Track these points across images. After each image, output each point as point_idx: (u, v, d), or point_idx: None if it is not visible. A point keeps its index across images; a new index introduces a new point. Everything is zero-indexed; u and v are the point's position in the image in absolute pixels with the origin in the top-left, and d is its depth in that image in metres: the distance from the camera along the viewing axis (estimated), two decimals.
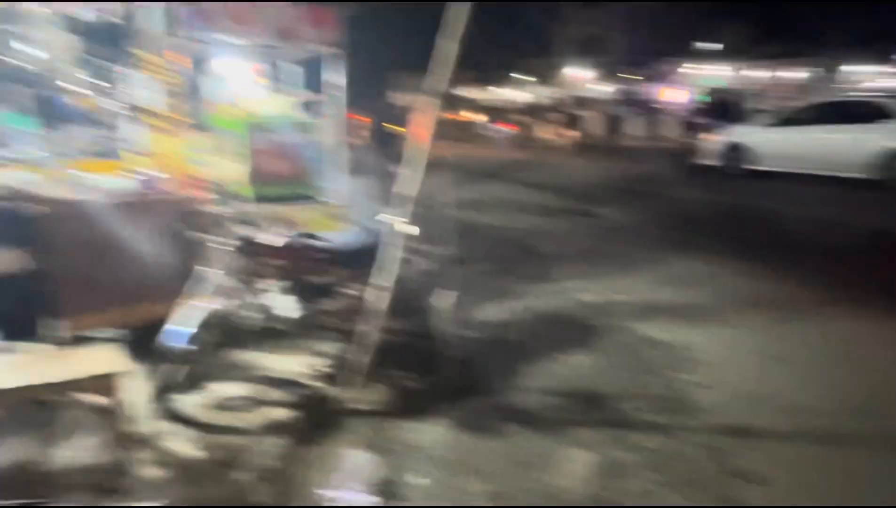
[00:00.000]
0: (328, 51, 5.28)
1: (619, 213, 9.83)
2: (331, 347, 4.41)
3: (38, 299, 4.03)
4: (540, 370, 4.16)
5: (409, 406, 3.65)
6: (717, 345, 4.58)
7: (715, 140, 14.59)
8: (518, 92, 33.36)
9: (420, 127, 3.45)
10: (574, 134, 23.72)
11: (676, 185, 12.85)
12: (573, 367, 4.23)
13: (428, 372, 4.04)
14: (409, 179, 3.53)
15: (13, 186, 3.92)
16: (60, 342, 4.13)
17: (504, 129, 24.93)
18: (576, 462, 3.12)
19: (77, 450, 3.05)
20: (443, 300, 3.80)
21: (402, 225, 3.61)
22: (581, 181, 13.47)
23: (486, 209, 9.97)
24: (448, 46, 3.27)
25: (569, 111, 25.83)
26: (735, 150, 13.93)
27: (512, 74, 33.27)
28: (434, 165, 3.55)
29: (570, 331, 4.87)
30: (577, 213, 9.91)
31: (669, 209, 10.09)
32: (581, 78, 30.23)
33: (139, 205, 4.26)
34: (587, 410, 3.67)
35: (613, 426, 3.46)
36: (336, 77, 5.34)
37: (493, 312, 5.26)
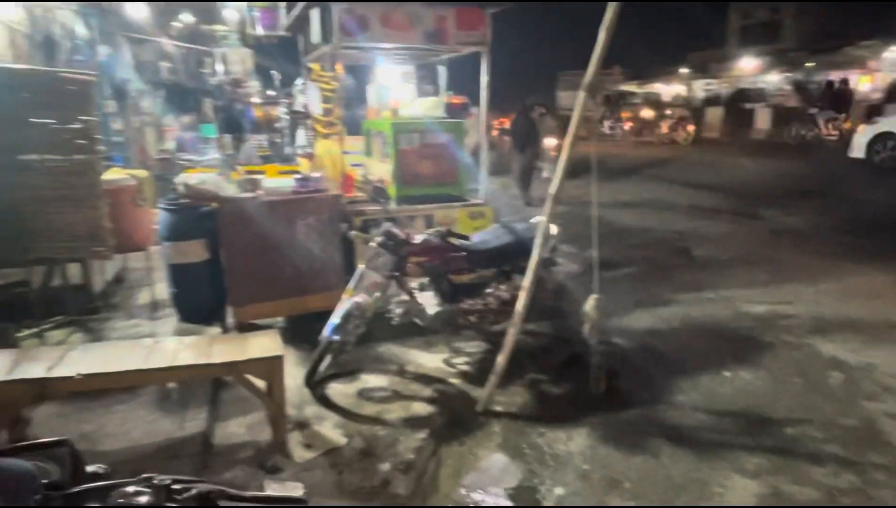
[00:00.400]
0: (474, 51, 5.30)
1: (786, 214, 8.81)
2: (471, 345, 4.43)
3: (215, 287, 4.49)
4: (695, 385, 3.81)
5: (550, 412, 3.53)
6: None
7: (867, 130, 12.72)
8: (671, 86, 31.38)
9: (560, 125, 3.31)
10: (723, 128, 21.82)
11: (844, 182, 11.25)
12: (735, 385, 3.83)
13: (571, 378, 3.89)
14: (551, 178, 3.40)
15: (194, 184, 4.38)
16: (229, 328, 4.57)
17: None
18: (735, 490, 2.81)
19: (238, 427, 3.33)
20: (588, 304, 3.62)
21: (544, 225, 3.49)
22: (737, 179, 12.27)
23: (634, 209, 9.46)
24: (602, 41, 3.10)
25: (728, 104, 23.79)
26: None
27: (667, 67, 31.34)
28: (576, 163, 3.39)
29: (732, 344, 4.42)
30: (739, 214, 9.03)
31: (841, 211, 8.84)
32: (749, 68, 27.66)
33: (299, 202, 4.57)
34: (751, 433, 3.29)
35: (782, 455, 3.07)
36: (481, 77, 5.34)
37: (643, 319, 4.94)
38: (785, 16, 29.20)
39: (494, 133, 11.53)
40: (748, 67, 27.80)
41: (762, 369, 4.01)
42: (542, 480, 2.91)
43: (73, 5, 7.52)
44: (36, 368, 2.85)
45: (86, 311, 4.70)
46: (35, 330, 4.33)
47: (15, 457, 0.86)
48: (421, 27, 5.04)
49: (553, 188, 3.39)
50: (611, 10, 3.04)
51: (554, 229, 4.18)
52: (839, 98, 17.60)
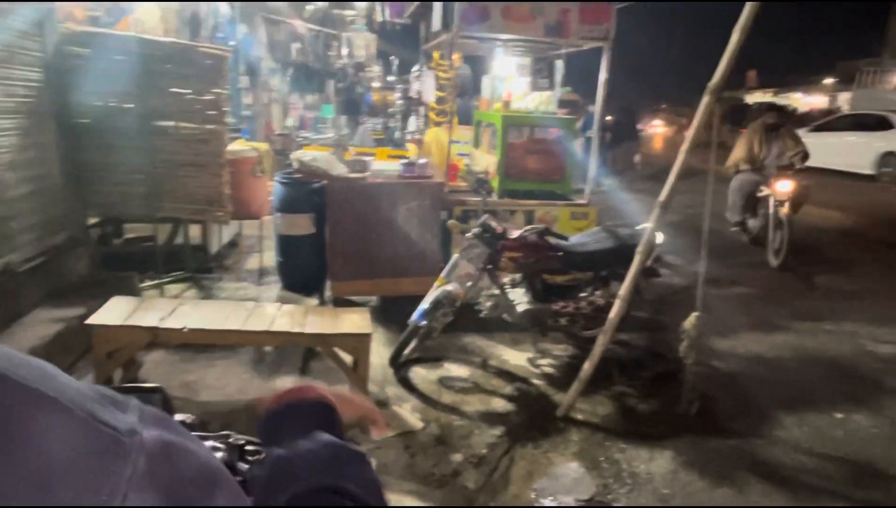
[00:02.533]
0: (596, 46, 5.13)
1: None
2: (558, 348, 4.32)
3: (317, 261, 4.70)
4: (800, 423, 3.49)
5: (634, 427, 3.38)
6: None
7: None
8: (811, 97, 28.79)
9: (677, 128, 3.11)
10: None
11: None
12: (847, 428, 3.47)
13: (661, 396, 3.70)
14: (666, 184, 3.22)
15: (306, 161, 4.58)
16: (326, 301, 4.76)
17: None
18: None
19: None
20: (688, 321, 3.41)
21: (649, 232, 3.32)
22: (879, 203, 11.03)
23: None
24: (735, 42, 2.88)
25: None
26: None
27: (809, 76, 28.79)
28: (690, 172, 3.18)
29: (850, 384, 4.01)
30: (877, 241, 8.15)
31: None
32: None
33: (403, 187, 4.66)
34: (857, 485, 2.97)
35: None
36: (600, 74, 5.16)
37: (750, 344, 4.59)
38: None
39: (608, 133, 10.93)
40: None
41: (882, 416, 3.60)
42: (616, 497, 2.80)
43: None
44: (151, 316, 3.12)
45: (201, 270, 5.08)
46: (156, 282, 4.74)
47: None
48: (542, 19, 4.94)
49: (663, 196, 3.21)
50: (748, 10, 2.82)
51: (660, 238, 3.97)
52: None
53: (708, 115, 3.08)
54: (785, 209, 6.48)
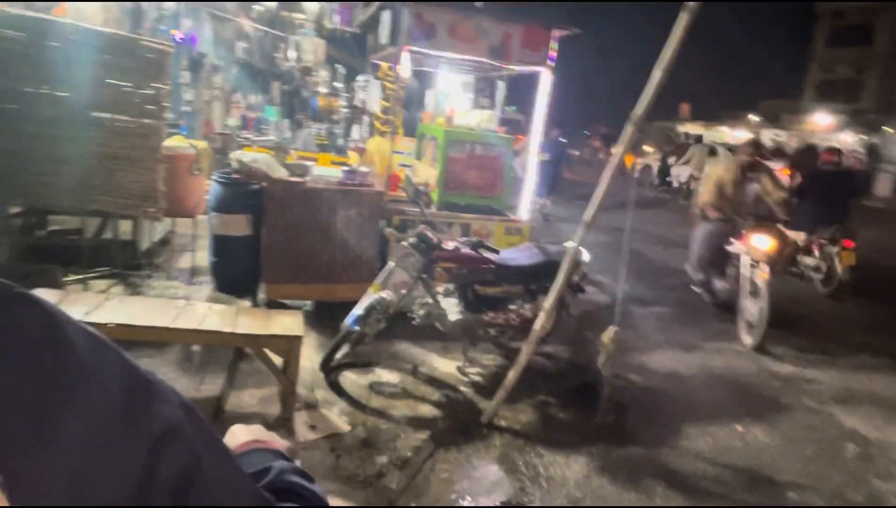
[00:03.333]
0: (536, 70, 5.36)
1: None
2: (487, 357, 4.47)
3: (252, 262, 4.68)
4: (702, 434, 3.76)
5: (552, 435, 3.55)
6: None
7: None
8: (736, 131, 30.65)
9: (609, 153, 3.33)
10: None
11: None
12: (745, 440, 3.76)
13: (579, 406, 3.90)
14: (590, 205, 3.43)
15: (246, 161, 4.57)
16: (259, 303, 4.74)
17: None
18: None
19: (250, 397, 3.47)
20: (606, 335, 3.62)
21: (577, 250, 3.52)
22: None
23: (681, 248, 9.31)
24: (658, 79, 3.12)
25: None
26: None
27: (735, 112, 30.65)
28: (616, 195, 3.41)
29: (750, 401, 4.34)
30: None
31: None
32: (822, 125, 26.79)
33: (343, 193, 4.71)
34: (751, 491, 3.24)
35: None
36: (539, 97, 5.40)
37: (663, 360, 4.89)
38: (869, 76, 28.27)
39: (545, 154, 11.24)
40: (822, 123, 26.98)
41: (777, 430, 3.93)
42: (531, 500, 2.94)
43: None
44: (75, 310, 3.05)
45: (130, 266, 4.95)
46: (80, 277, 4.59)
47: None
48: (486, 40, 5.14)
49: (587, 216, 3.42)
50: (668, 51, 3.07)
51: (586, 256, 4.20)
52: None
53: (631, 143, 3.31)
54: (763, 274, 5.10)
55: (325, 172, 4.98)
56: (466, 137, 5.43)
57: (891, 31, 28.25)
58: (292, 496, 0.61)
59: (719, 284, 6.15)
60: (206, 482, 0.47)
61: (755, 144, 6.57)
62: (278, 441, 0.74)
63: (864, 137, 24.24)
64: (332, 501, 2.69)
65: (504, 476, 3.10)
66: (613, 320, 3.65)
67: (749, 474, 3.38)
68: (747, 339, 5.31)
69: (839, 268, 6.67)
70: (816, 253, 6.92)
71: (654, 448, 3.55)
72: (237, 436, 0.73)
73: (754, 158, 6.00)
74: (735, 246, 5.68)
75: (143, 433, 0.44)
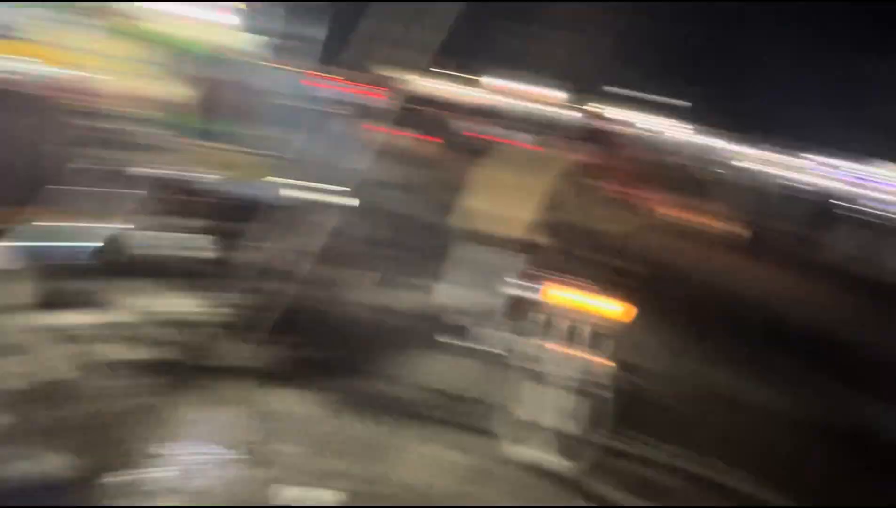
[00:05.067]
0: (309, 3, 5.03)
1: None
2: (226, 297, 4.27)
3: None
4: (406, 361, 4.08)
5: (291, 374, 3.55)
6: None
7: None
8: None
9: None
10: None
11: None
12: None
13: (322, 345, 3.97)
14: (361, 154, 3.40)
15: None
16: None
17: None
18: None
19: None
20: (359, 279, 3.69)
21: (340, 196, 3.50)
22: None
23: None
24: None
25: None
26: None
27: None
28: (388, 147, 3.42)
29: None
30: None
31: None
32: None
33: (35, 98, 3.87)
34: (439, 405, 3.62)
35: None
36: (315, 30, 5.07)
37: (408, 301, 5.11)
38: None
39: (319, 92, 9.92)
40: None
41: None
42: (266, 436, 2.94)
43: None
44: None
45: None
46: None
47: None
48: None
49: (359, 164, 3.40)
50: None
51: (353, 202, 4.14)
52: None
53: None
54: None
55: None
56: (222, 58, 4.89)
57: None
58: None
59: None
60: None
61: None
62: None
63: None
64: None
65: (239, 417, 3.06)
66: (364, 262, 3.70)
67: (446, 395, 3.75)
68: None
69: None
70: None
71: (381, 380, 3.76)
72: None
73: None
74: None
75: None
